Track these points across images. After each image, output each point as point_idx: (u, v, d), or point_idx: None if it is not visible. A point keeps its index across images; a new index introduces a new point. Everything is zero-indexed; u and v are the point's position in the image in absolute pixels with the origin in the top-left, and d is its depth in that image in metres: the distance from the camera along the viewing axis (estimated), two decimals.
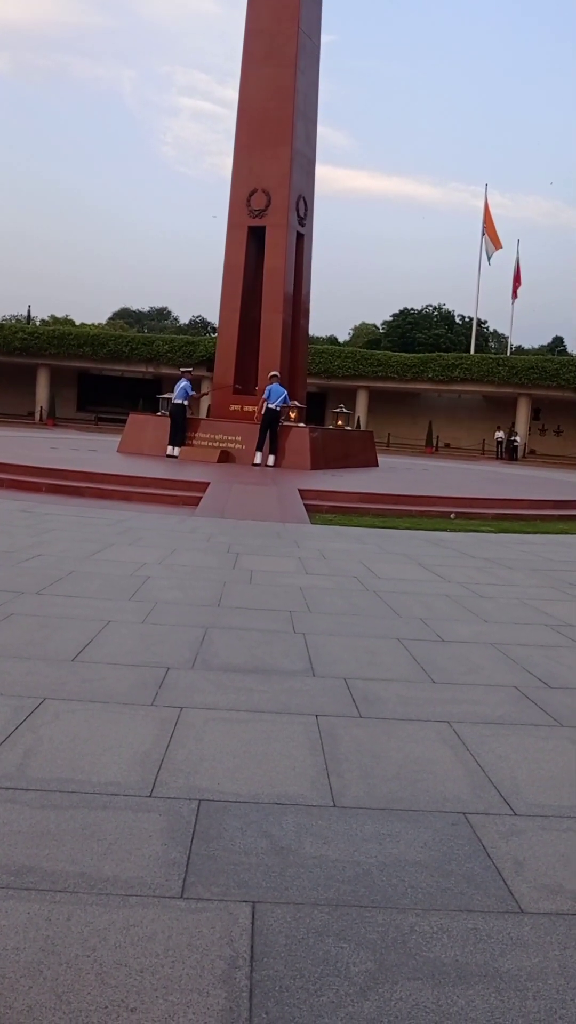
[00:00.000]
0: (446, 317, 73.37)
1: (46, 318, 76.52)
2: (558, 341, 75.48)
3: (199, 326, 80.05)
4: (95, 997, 1.70)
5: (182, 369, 20.10)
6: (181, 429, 18.49)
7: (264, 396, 17.91)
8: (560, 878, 2.30)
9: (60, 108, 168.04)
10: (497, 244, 47.34)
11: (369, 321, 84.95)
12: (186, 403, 18.88)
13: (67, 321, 74.57)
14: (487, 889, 2.22)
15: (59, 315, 79.67)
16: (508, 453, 42.30)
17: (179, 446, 18.31)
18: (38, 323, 65.58)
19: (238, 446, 18.43)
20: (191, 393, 19.21)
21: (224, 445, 18.49)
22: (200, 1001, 1.71)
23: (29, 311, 66.69)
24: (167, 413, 19.68)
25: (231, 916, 2.02)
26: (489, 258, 47.44)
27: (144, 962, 1.82)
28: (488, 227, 47.02)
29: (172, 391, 19.21)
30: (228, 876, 2.19)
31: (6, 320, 63.41)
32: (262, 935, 1.95)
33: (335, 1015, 1.70)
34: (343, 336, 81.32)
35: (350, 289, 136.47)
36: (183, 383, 18.76)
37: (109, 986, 1.73)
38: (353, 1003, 1.74)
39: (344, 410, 23.10)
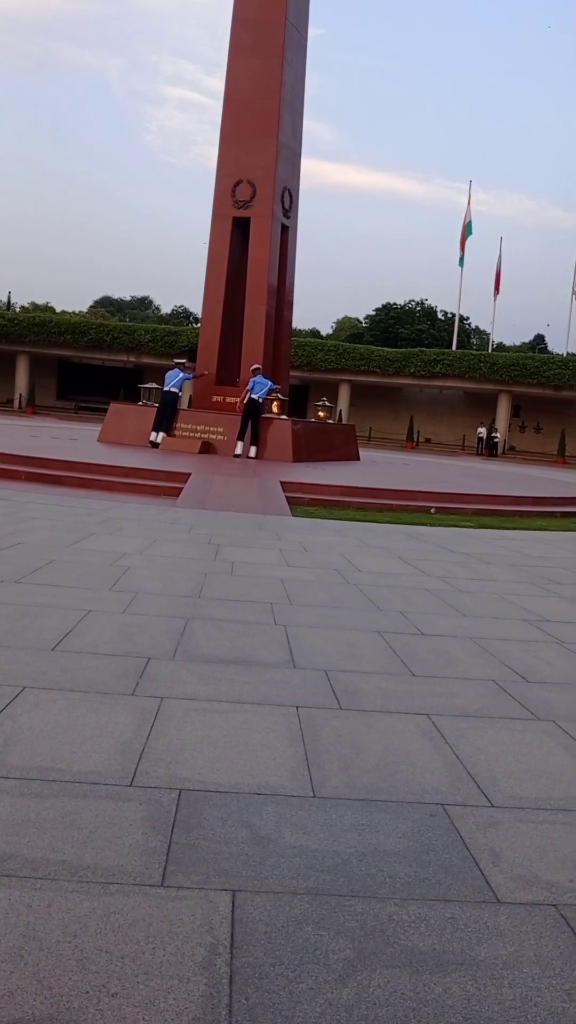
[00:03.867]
0: (429, 313, 73.45)
1: (26, 304, 75.86)
2: (539, 339, 75.88)
3: (181, 316, 79.69)
4: (76, 982, 1.71)
5: (176, 360, 20.00)
6: (171, 417, 18.43)
7: (248, 388, 17.89)
8: (536, 869, 2.33)
9: (45, 94, 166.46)
10: (462, 246, 47.33)
11: (352, 315, 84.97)
12: (180, 393, 18.84)
13: (47, 308, 73.93)
14: (464, 879, 2.25)
15: (39, 302, 79.06)
16: (488, 449, 42.52)
17: (165, 433, 18.23)
18: (18, 309, 64.99)
19: (220, 437, 18.39)
20: (190, 378, 19.16)
21: (206, 436, 18.44)
22: (180, 987, 1.73)
23: (9, 297, 66.14)
24: (148, 402, 19.58)
25: (211, 904, 2.03)
26: (461, 261, 47.37)
27: (125, 949, 1.83)
28: (463, 227, 46.99)
29: (155, 382, 19.13)
30: (208, 865, 2.20)
31: None
32: (242, 923, 1.97)
33: (314, 1001, 1.72)
34: (326, 329, 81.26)
35: (333, 283, 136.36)
36: (181, 374, 18.67)
37: (90, 972, 1.75)
38: (332, 990, 1.76)
39: (326, 403, 23.09)
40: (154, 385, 20.26)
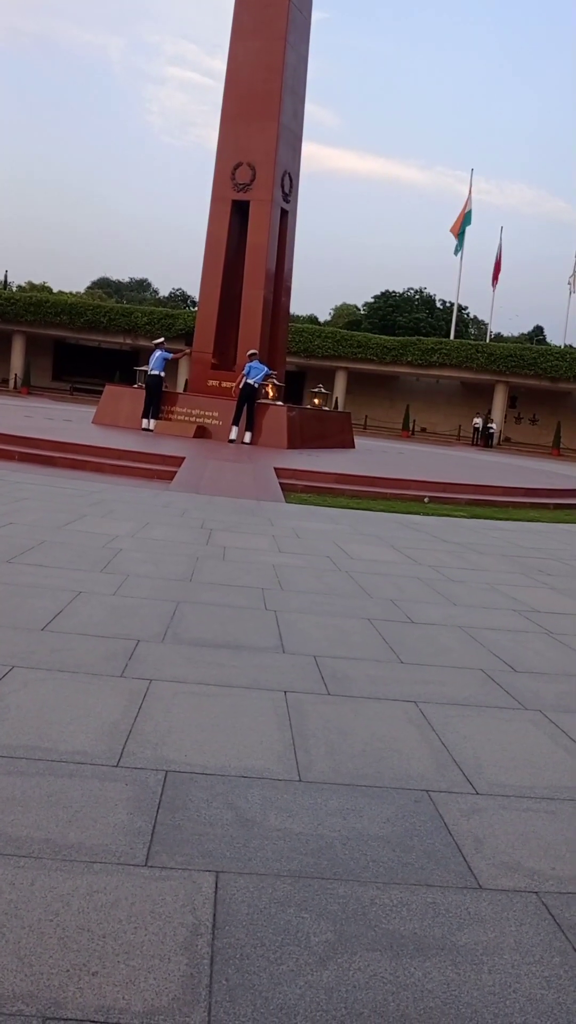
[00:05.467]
0: (427, 301, 73.28)
1: (23, 284, 75.36)
2: (538, 330, 75.81)
3: (179, 299, 79.35)
4: (57, 960, 1.71)
5: (155, 342, 19.84)
6: (157, 401, 18.33)
7: (243, 372, 17.82)
8: (518, 856, 2.34)
9: (45, 73, 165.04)
10: (455, 231, 46.91)
11: (350, 302, 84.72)
12: (163, 374, 18.71)
13: (44, 288, 73.44)
14: (447, 865, 2.26)
15: (36, 282, 78.54)
16: (484, 440, 42.53)
17: (155, 419, 18.16)
18: (15, 289, 64.57)
19: (215, 422, 18.34)
20: (169, 358, 18.97)
21: (201, 420, 18.39)
22: (161, 967, 1.73)
23: (5, 276, 65.60)
24: (143, 385, 19.50)
25: (194, 885, 2.04)
26: (456, 248, 46.93)
27: (107, 927, 1.84)
28: (461, 214, 46.63)
29: (148, 363, 18.96)
30: (193, 846, 2.21)
31: None
32: (224, 904, 1.97)
33: (294, 983, 1.72)
34: (324, 316, 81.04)
35: (332, 269, 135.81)
36: (159, 352, 18.54)
37: (71, 950, 1.75)
38: (312, 972, 1.76)
39: (323, 390, 23.08)
40: (147, 368, 20.14)
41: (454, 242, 47.23)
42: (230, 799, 2.49)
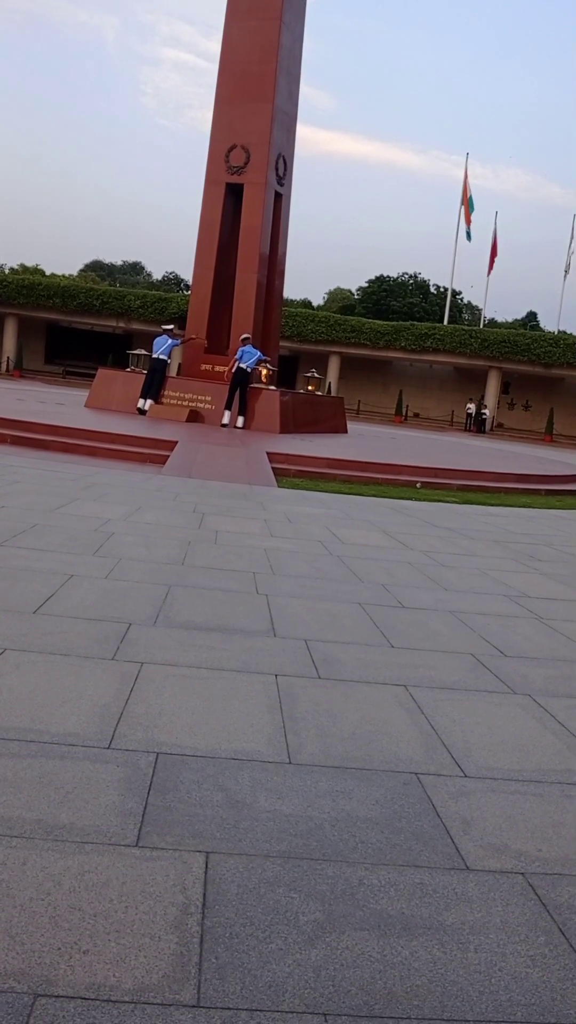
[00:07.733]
0: (421, 286, 73.09)
1: (15, 266, 74.78)
2: (532, 316, 75.71)
3: (172, 282, 78.84)
4: (48, 939, 1.73)
5: (164, 327, 19.75)
6: (159, 385, 18.29)
7: (236, 357, 17.76)
8: (506, 838, 2.37)
9: (38, 52, 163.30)
10: (467, 220, 46.79)
11: (344, 286, 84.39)
12: (169, 360, 18.67)
13: (37, 271, 72.87)
14: (435, 846, 2.28)
15: (29, 264, 77.92)
16: (476, 425, 42.54)
17: (153, 401, 18.10)
18: (7, 271, 64.13)
19: (208, 406, 18.28)
20: (178, 344, 18.94)
21: (194, 404, 18.34)
22: (152, 945, 1.75)
23: None
24: (136, 368, 19.40)
25: (185, 865, 2.05)
26: (468, 235, 46.77)
27: (98, 907, 1.85)
28: (465, 200, 46.42)
29: (144, 348, 18.89)
30: (183, 827, 2.23)
31: None
32: (215, 884, 1.99)
33: (283, 961, 1.75)
34: (317, 300, 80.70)
35: (326, 253, 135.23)
36: (169, 340, 18.49)
37: (62, 929, 1.77)
38: (301, 950, 1.79)
39: (315, 375, 22.96)
40: (143, 351, 20.05)
41: (450, 227, 47.14)
42: (220, 781, 2.51)
